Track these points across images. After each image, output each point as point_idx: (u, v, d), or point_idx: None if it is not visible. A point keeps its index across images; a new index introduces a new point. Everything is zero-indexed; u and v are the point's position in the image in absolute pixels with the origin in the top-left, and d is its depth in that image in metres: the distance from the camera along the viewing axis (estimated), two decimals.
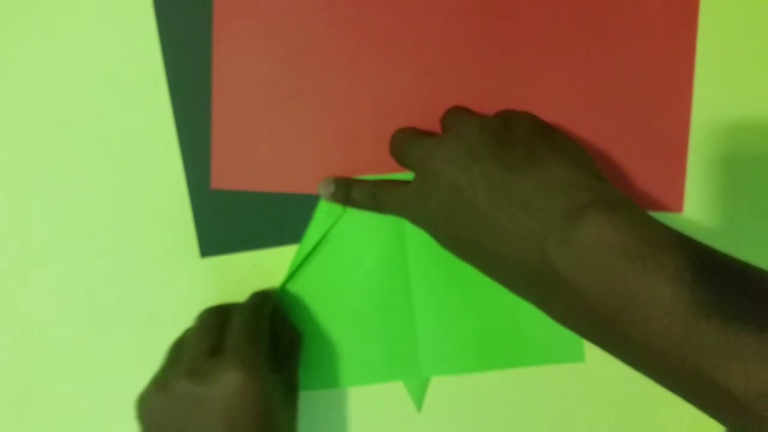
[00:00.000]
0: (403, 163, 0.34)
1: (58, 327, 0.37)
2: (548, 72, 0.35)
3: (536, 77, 0.35)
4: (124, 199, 0.36)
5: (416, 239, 0.36)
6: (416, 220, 0.32)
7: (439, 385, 0.38)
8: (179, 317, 0.37)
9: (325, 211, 0.36)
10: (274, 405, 0.30)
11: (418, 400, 0.38)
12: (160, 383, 0.30)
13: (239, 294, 0.36)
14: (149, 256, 0.37)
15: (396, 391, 0.38)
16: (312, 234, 0.36)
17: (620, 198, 0.27)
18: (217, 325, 0.32)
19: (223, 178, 0.36)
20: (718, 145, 0.36)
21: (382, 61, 0.35)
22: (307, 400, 0.37)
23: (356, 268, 0.36)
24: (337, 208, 0.36)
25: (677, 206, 0.36)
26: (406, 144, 0.33)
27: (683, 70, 0.35)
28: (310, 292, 0.37)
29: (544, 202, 0.27)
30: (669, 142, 0.35)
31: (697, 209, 0.36)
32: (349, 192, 0.35)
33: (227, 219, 0.36)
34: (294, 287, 0.37)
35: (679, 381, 0.23)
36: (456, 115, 0.34)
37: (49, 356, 0.37)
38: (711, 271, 0.23)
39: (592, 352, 0.37)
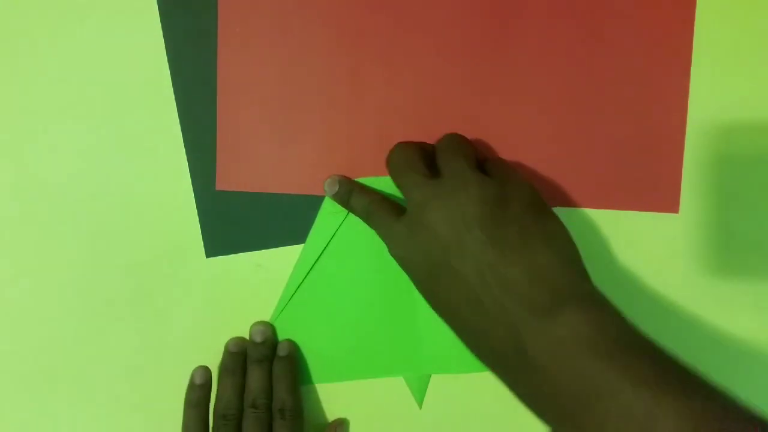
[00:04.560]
0: (400, 190, 0.33)
1: (63, 327, 0.37)
2: (546, 74, 0.36)
3: (534, 80, 0.36)
4: (130, 200, 0.37)
5: None
6: (398, 260, 0.32)
7: (440, 382, 0.38)
8: (185, 317, 0.37)
9: (329, 212, 0.36)
10: None
11: (419, 396, 0.38)
12: None
13: (244, 294, 0.37)
14: (155, 257, 0.37)
15: (397, 387, 0.38)
16: (316, 234, 0.37)
17: (597, 298, 0.29)
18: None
19: (227, 179, 0.37)
20: (714, 146, 0.36)
21: (384, 65, 0.36)
22: (311, 395, 0.38)
23: (360, 266, 0.37)
24: (341, 208, 0.36)
25: (673, 207, 0.36)
26: (404, 175, 0.33)
27: (680, 73, 0.36)
28: (315, 289, 0.37)
29: (528, 290, 0.28)
30: (665, 143, 0.36)
31: (693, 210, 0.36)
32: (350, 198, 0.35)
33: (232, 220, 0.37)
34: (299, 285, 0.37)
35: None
36: (454, 159, 0.32)
37: (55, 355, 0.38)
38: (671, 378, 0.25)
39: None
